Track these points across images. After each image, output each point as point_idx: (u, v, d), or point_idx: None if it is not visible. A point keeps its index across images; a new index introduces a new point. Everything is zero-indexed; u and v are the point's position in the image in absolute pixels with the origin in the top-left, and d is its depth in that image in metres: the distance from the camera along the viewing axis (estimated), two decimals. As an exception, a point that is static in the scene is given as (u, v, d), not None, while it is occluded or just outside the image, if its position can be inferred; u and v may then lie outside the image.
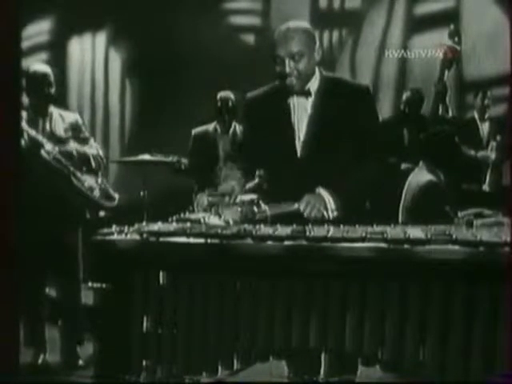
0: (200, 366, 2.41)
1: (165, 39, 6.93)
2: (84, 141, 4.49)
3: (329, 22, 7.09)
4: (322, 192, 2.84)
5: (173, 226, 2.55)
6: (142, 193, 5.68)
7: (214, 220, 2.69)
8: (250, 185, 2.95)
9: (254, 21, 7.33)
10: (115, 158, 6.79)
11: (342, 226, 2.49)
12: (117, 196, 4.57)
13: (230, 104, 5.62)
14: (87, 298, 4.66)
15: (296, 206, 2.81)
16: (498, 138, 6.14)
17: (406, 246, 2.28)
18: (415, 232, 2.36)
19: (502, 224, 3.21)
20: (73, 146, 4.39)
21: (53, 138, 4.33)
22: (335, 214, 2.82)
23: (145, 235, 2.44)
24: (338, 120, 2.95)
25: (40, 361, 4.40)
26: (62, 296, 4.50)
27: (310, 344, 2.33)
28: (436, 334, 2.25)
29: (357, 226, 2.48)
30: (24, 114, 4.31)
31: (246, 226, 2.53)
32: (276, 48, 2.92)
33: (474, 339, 2.22)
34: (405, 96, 6.27)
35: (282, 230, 2.42)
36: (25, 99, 4.37)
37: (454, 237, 2.27)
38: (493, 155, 6.11)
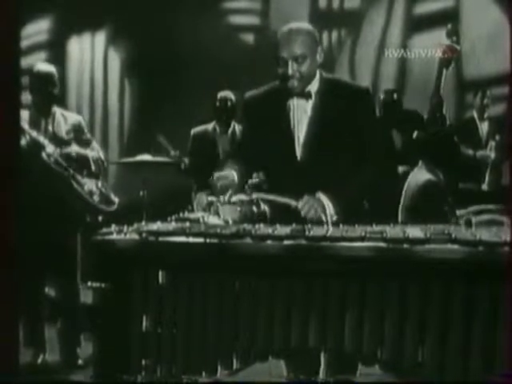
0: (199, 366, 2.41)
1: (164, 39, 6.93)
2: (86, 143, 4.49)
3: (328, 22, 7.10)
4: (322, 197, 2.83)
5: (172, 225, 2.55)
6: (141, 192, 5.68)
7: (213, 219, 2.69)
8: (251, 181, 2.95)
9: (253, 20, 7.33)
10: (114, 157, 6.79)
11: (341, 226, 2.50)
12: (117, 200, 4.57)
13: (230, 104, 5.62)
14: (86, 297, 4.67)
15: (294, 203, 2.81)
16: (498, 137, 6.14)
17: (405, 245, 2.28)
18: (414, 231, 2.36)
19: (499, 222, 3.22)
20: (74, 148, 4.39)
21: (55, 139, 4.33)
22: (334, 218, 2.81)
23: (144, 235, 2.44)
24: (338, 122, 2.95)
25: (39, 361, 4.40)
26: (61, 296, 4.50)
27: (310, 344, 2.32)
28: (435, 334, 2.24)
29: (356, 225, 2.48)
30: (26, 113, 4.31)
31: (245, 225, 2.53)
32: (279, 49, 2.91)
33: (473, 339, 2.22)
34: (380, 98, 5.99)
35: (282, 230, 2.41)
36: (28, 98, 4.37)
37: (453, 236, 2.27)
38: (492, 155, 6.11)
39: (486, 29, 6.58)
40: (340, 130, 2.95)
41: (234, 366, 2.40)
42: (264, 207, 2.83)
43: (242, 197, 2.80)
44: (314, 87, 2.99)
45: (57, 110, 4.43)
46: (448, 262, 2.24)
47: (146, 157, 5.58)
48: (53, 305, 4.62)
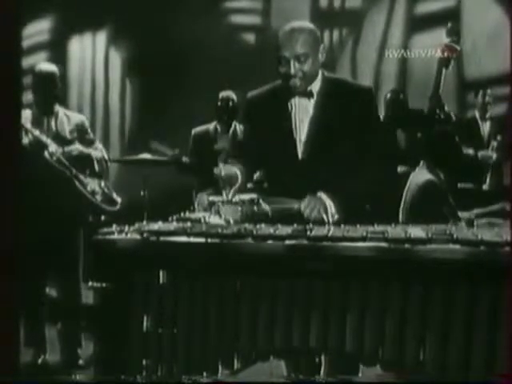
0: (200, 366, 2.41)
1: (165, 38, 6.93)
2: (89, 143, 4.49)
3: (329, 21, 7.10)
4: (323, 196, 2.83)
5: (173, 225, 2.55)
6: (142, 192, 5.68)
7: (214, 219, 2.68)
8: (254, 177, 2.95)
9: (254, 20, 7.33)
10: (115, 156, 6.79)
11: (342, 226, 2.49)
12: (119, 200, 4.56)
13: (231, 103, 5.62)
14: (87, 297, 4.67)
15: (296, 205, 2.81)
16: (499, 137, 6.12)
17: (406, 245, 2.27)
18: (416, 231, 2.35)
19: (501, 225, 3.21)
20: (77, 147, 4.39)
21: (57, 138, 4.34)
22: (335, 218, 2.81)
23: (145, 234, 2.43)
24: (340, 121, 2.94)
25: (40, 361, 4.40)
26: (62, 296, 4.50)
27: (311, 343, 2.32)
28: (437, 334, 2.24)
29: (357, 225, 2.48)
30: (29, 113, 4.32)
31: (246, 225, 2.53)
32: (281, 49, 2.90)
33: (474, 339, 2.22)
34: (387, 98, 6.00)
35: (283, 230, 2.41)
36: (30, 98, 4.38)
37: (454, 236, 2.27)
38: (494, 155, 6.10)
39: (487, 28, 6.58)
40: (342, 129, 2.94)
41: (235, 366, 2.40)
42: (265, 207, 2.82)
43: (244, 196, 2.80)
44: (316, 86, 2.98)
45: (60, 110, 4.44)
46: (449, 262, 2.23)
47: (147, 156, 5.57)
48: (54, 305, 4.62)
